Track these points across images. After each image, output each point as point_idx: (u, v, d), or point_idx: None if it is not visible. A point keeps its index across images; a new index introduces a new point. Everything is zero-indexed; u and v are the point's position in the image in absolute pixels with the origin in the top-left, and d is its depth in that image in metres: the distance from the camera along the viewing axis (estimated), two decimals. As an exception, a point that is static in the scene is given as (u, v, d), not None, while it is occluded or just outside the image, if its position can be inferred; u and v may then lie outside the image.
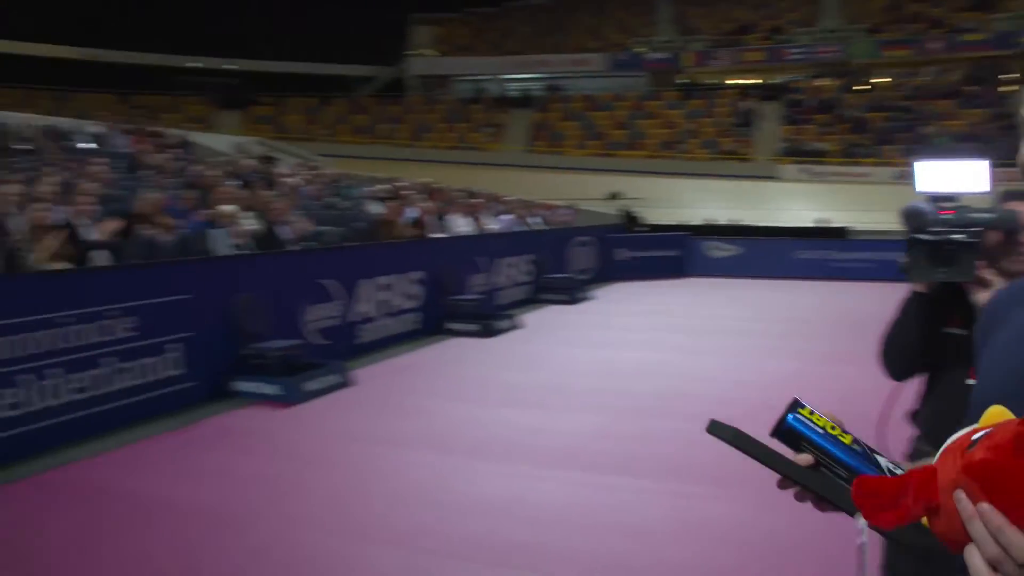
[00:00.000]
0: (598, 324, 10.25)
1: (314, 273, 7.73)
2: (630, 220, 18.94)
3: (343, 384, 6.76)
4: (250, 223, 9.01)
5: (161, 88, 28.44)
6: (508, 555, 3.58)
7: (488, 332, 9.23)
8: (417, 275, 9.25)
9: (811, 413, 1.08)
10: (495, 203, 14.43)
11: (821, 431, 1.07)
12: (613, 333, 9.56)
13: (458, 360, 8.10)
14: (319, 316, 7.66)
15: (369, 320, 8.40)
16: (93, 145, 13.34)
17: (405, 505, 4.16)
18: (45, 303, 5.02)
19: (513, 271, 11.82)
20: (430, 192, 13.39)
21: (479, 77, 39.40)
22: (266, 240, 8.41)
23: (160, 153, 13.68)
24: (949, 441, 0.77)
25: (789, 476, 1.07)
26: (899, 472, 1.03)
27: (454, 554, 3.60)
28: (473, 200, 13.36)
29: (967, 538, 0.70)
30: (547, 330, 9.83)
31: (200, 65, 29.18)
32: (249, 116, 32.99)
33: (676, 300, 12.63)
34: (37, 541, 3.72)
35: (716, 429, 1.08)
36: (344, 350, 7.71)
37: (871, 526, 0.84)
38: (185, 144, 16.24)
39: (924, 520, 0.76)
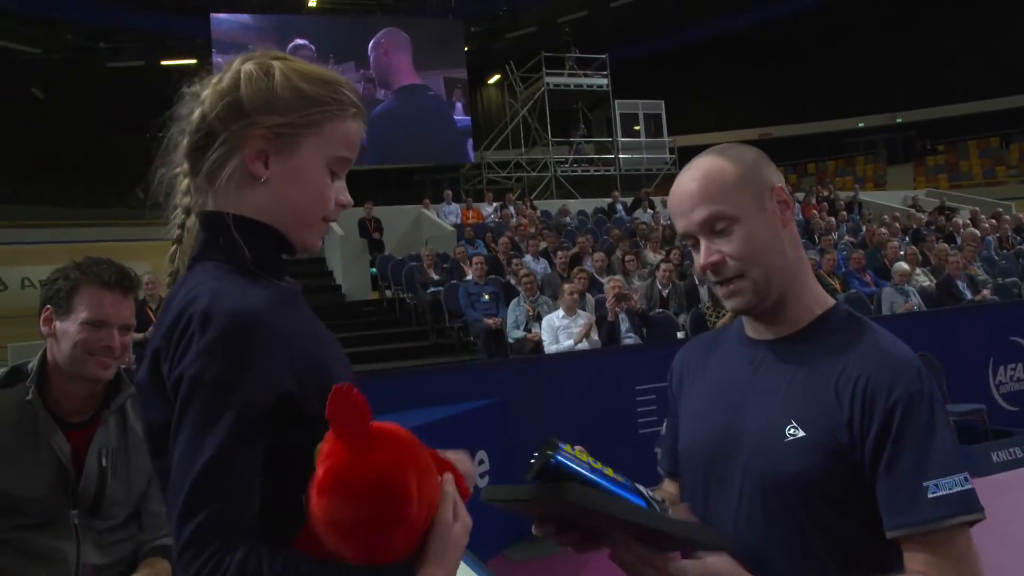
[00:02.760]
0: None
1: (1003, 330, 6.99)
2: None
3: (1040, 457, 5.92)
4: (924, 279, 8.65)
5: (830, 153, 29.35)
6: None
7: None
8: None
9: (572, 448, 0.96)
10: None
11: (588, 466, 0.96)
12: None
13: None
14: (1009, 378, 6.87)
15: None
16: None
17: None
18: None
19: None
20: None
21: None
22: (942, 295, 7.96)
23: (830, 216, 14.09)
24: None
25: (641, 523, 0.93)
26: (657, 501, 1.00)
27: None
28: None
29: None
30: None
31: (862, 125, 29.36)
32: (921, 167, 31.60)
33: None
34: None
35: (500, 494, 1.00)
36: (1042, 418, 6.74)
37: None
38: (855, 205, 16.37)
39: None
